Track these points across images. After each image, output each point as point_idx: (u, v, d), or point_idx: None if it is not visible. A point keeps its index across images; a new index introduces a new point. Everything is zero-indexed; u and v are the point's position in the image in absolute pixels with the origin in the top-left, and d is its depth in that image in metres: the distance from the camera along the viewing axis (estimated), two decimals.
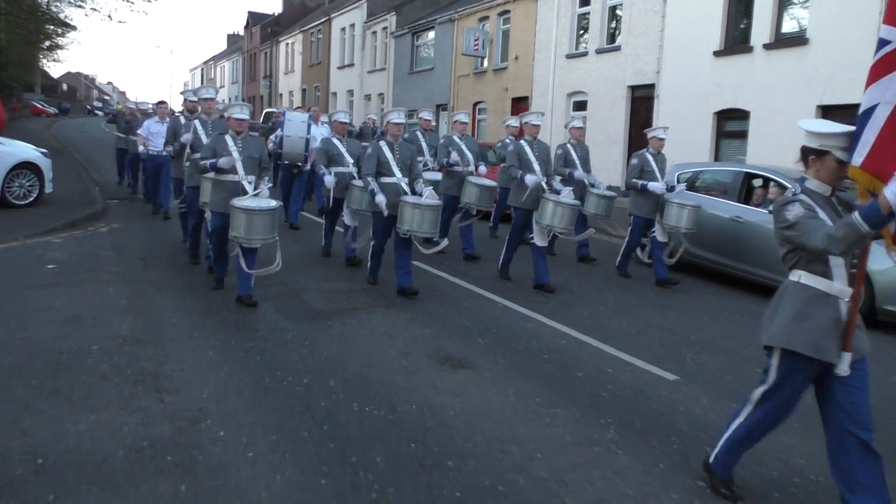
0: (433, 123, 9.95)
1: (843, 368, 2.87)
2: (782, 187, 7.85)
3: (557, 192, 7.28)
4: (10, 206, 10.11)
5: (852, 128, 2.82)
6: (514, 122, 10.27)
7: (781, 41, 12.70)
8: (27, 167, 10.49)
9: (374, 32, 30.71)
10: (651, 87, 15.65)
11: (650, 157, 8.00)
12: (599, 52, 17.29)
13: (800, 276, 2.95)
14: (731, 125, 13.92)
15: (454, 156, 8.64)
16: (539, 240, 7.27)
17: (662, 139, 8.08)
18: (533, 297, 6.98)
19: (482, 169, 8.88)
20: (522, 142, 7.54)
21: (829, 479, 3.42)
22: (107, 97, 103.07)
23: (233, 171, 6.09)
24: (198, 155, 6.72)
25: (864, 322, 3.06)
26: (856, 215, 2.61)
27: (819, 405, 3.05)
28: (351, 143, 8.38)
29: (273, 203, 5.98)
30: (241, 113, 6.18)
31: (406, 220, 6.41)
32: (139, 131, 11.13)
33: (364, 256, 7.96)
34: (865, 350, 2.96)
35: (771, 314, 3.04)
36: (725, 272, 8.21)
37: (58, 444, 3.38)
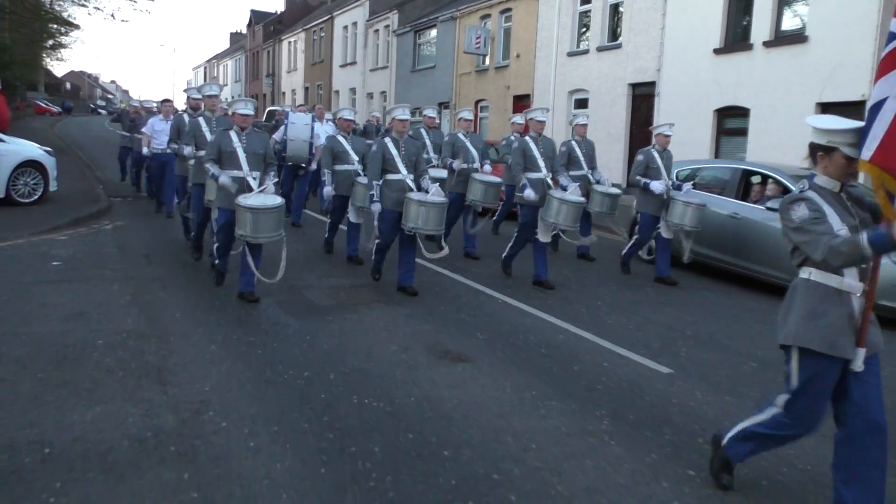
0: (437, 121, 9.97)
1: (858, 364, 2.85)
2: (780, 184, 7.93)
3: (564, 189, 7.28)
4: (15, 205, 10.22)
5: (860, 123, 2.81)
6: (519, 118, 10.24)
7: (781, 39, 12.74)
8: (32, 165, 10.60)
9: (377, 30, 30.79)
10: (652, 84, 15.70)
11: (656, 154, 7.98)
12: (600, 49, 17.35)
13: (810, 274, 2.91)
14: (731, 122, 13.97)
15: (457, 164, 8.62)
16: (542, 236, 7.29)
17: (668, 136, 8.05)
18: (532, 293, 7.06)
19: (487, 167, 8.88)
20: (527, 138, 7.49)
21: (818, 467, 3.52)
22: (110, 96, 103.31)
23: (238, 167, 6.10)
24: (202, 153, 6.79)
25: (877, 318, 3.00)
26: (863, 237, 2.62)
27: (832, 402, 3.00)
28: (356, 140, 8.38)
29: (278, 200, 5.99)
30: (246, 108, 6.19)
31: (411, 217, 6.42)
32: (143, 129, 11.20)
33: (364, 255, 8.05)
34: (879, 346, 2.93)
35: (784, 314, 3.01)
36: (724, 269, 8.28)
37: (64, 435, 3.47)
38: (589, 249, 9.20)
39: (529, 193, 7.18)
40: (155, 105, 13.55)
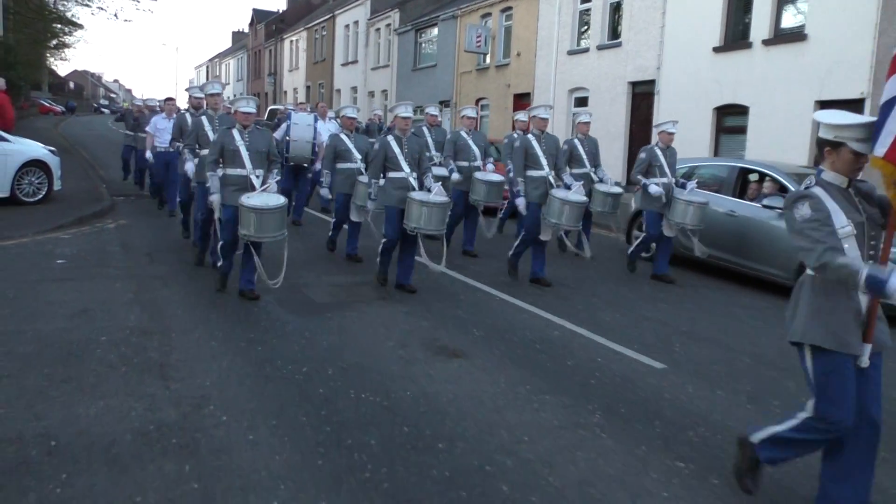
0: (439, 119, 9.99)
1: (864, 360, 2.85)
2: (777, 182, 7.99)
3: (568, 187, 7.25)
4: (20, 204, 10.33)
5: (868, 118, 2.82)
6: (522, 116, 10.16)
7: (780, 37, 12.79)
8: (36, 165, 10.69)
9: (378, 29, 30.87)
10: (651, 82, 15.76)
11: (659, 152, 7.99)
12: (601, 48, 17.41)
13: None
14: (730, 121, 14.03)
15: (456, 175, 8.54)
16: (543, 234, 7.33)
17: (672, 133, 8.02)
18: (529, 290, 7.14)
19: (489, 166, 8.86)
20: (530, 136, 7.45)
21: (805, 459, 3.57)
22: (113, 95, 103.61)
23: (241, 165, 6.09)
24: (206, 151, 6.84)
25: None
26: (863, 273, 2.60)
27: None
28: (359, 138, 8.38)
29: (281, 200, 6.00)
30: (248, 106, 6.17)
31: (413, 217, 6.43)
32: (147, 128, 11.29)
33: (363, 253, 8.14)
34: (886, 343, 2.93)
35: (792, 311, 3.01)
36: (720, 266, 8.35)
37: (69, 428, 3.56)
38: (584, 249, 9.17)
39: (521, 202, 7.22)
40: (158, 104, 13.64)
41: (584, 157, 8.77)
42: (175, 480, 3.13)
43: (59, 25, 29.77)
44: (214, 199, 6.17)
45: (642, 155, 8.13)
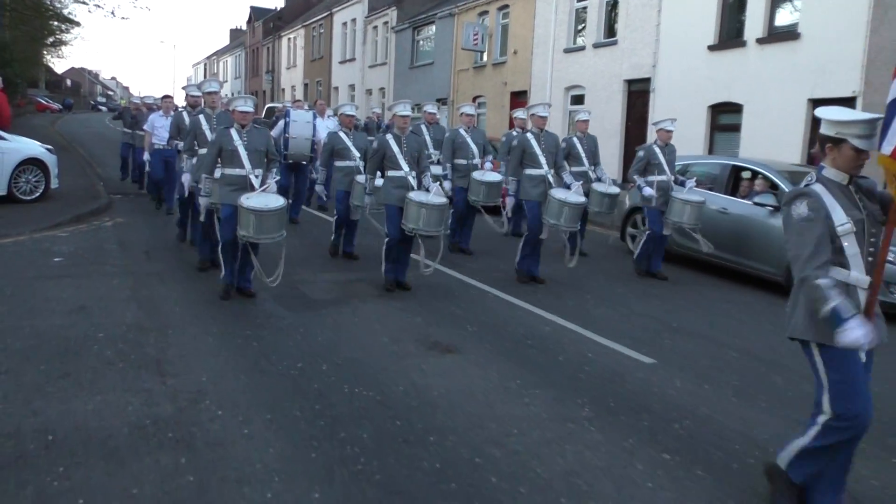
0: (437, 116, 9.96)
1: (863, 355, 2.86)
2: (768, 180, 8.07)
3: (568, 186, 7.26)
4: (17, 202, 10.37)
5: (870, 115, 2.82)
6: (521, 113, 10.02)
7: (774, 35, 12.86)
8: (33, 163, 10.73)
9: (375, 27, 30.89)
10: (647, 80, 15.82)
11: (657, 150, 7.99)
12: (597, 46, 17.46)
13: None
14: (724, 118, 14.09)
15: (447, 184, 8.34)
16: (542, 233, 7.35)
17: (670, 131, 8.03)
18: (522, 286, 7.21)
19: (488, 164, 8.85)
20: (528, 134, 7.42)
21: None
22: (110, 92, 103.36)
23: (239, 165, 6.05)
24: (204, 150, 6.86)
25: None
26: (831, 305, 2.66)
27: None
28: (358, 136, 8.32)
29: (280, 201, 5.97)
30: (246, 106, 6.12)
31: (412, 218, 6.41)
32: (145, 127, 11.31)
33: (359, 251, 8.20)
34: (882, 339, 2.92)
35: (791, 307, 3.00)
36: (712, 263, 8.42)
37: (67, 422, 3.63)
38: (582, 244, 9.19)
39: (510, 202, 7.26)
40: (154, 101, 13.67)
41: (583, 155, 8.78)
42: (171, 473, 3.20)
43: (56, 22, 29.74)
44: (202, 201, 6.21)
45: (640, 153, 8.13)
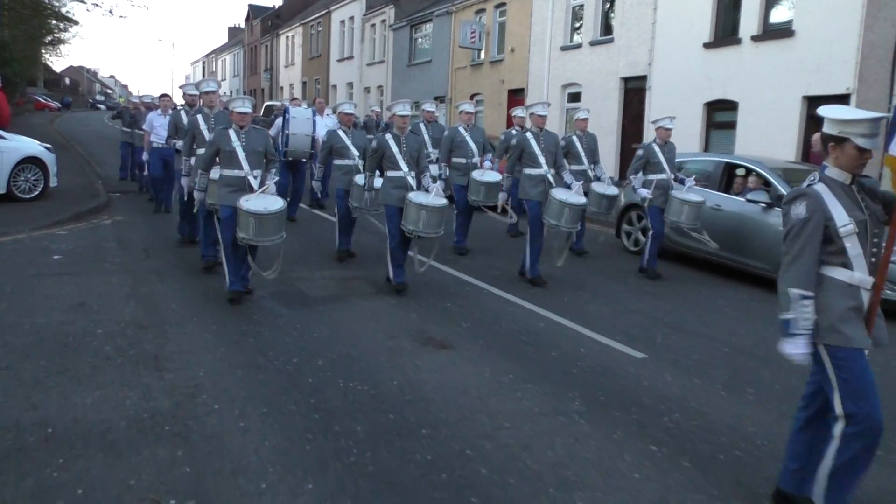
0: (436, 115, 9.93)
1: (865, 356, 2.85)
2: (761, 177, 8.13)
3: (568, 186, 7.28)
4: (16, 200, 10.42)
5: (873, 114, 2.80)
6: (520, 112, 10.03)
7: (769, 33, 12.92)
8: (32, 162, 10.78)
9: (373, 25, 30.92)
10: (643, 78, 15.88)
11: (657, 148, 7.97)
12: (593, 44, 17.52)
13: (819, 268, 2.88)
14: (720, 116, 14.17)
15: (440, 184, 8.51)
16: None
17: (669, 129, 8.00)
18: (517, 283, 7.27)
19: (487, 163, 8.84)
20: (528, 134, 7.38)
21: (775, 443, 3.75)
22: (109, 91, 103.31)
23: (238, 167, 6.01)
24: (202, 150, 6.89)
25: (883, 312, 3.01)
26: (792, 318, 2.82)
27: (809, 383, 3.12)
28: (357, 135, 8.28)
29: (280, 203, 5.95)
30: (244, 106, 6.06)
31: (411, 219, 6.37)
32: (144, 126, 11.34)
33: (356, 248, 8.25)
34: (884, 340, 2.93)
35: None
36: (706, 260, 8.49)
37: (66, 416, 3.70)
38: (582, 244, 9.13)
39: (502, 196, 7.34)
40: (152, 100, 13.71)
41: (582, 153, 8.79)
42: (168, 465, 3.27)
43: (54, 21, 29.79)
44: (197, 195, 6.31)
45: (639, 152, 8.12)
